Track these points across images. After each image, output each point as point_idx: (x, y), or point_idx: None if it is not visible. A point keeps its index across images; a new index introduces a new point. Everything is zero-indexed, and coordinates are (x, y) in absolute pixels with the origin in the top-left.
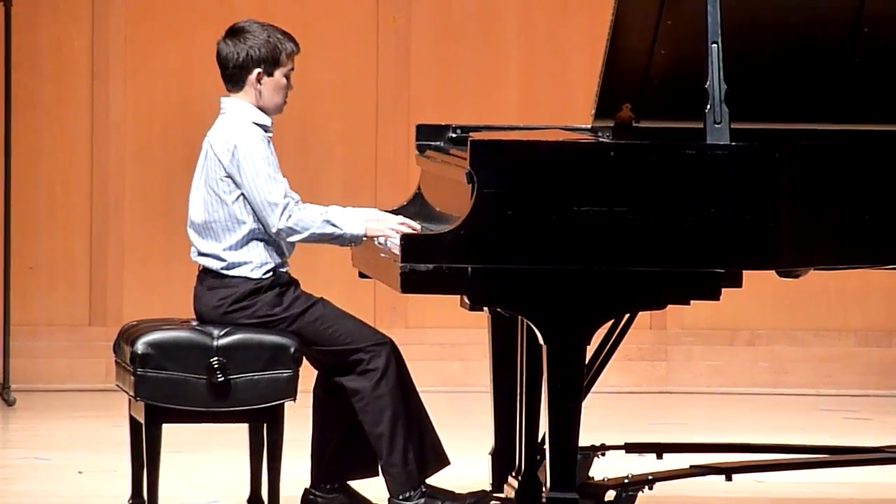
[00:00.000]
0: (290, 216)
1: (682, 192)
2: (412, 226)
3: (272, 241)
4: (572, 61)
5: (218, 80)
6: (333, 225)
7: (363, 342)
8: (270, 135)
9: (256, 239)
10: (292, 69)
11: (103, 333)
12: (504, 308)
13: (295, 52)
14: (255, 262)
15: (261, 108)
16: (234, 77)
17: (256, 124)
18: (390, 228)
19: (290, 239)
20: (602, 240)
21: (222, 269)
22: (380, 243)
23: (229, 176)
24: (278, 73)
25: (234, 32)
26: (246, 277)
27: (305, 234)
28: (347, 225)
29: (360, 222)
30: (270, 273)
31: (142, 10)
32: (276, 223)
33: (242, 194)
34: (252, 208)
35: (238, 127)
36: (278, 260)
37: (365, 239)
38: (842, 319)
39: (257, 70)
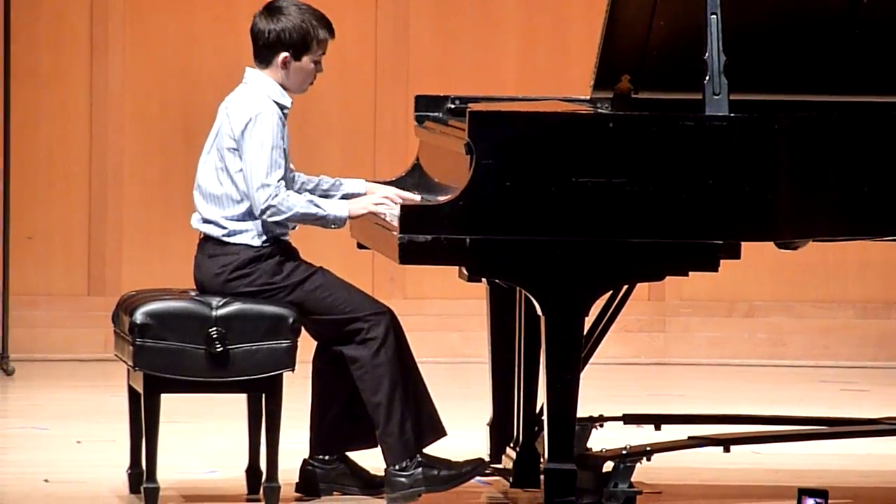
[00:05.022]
0: (276, 195)
1: (681, 164)
2: (404, 196)
3: None
4: (571, 32)
5: (217, 50)
6: (317, 206)
7: (363, 311)
8: (287, 112)
9: None
10: (323, 54)
11: (102, 303)
12: (502, 279)
13: (327, 38)
14: (255, 230)
15: (283, 87)
16: (261, 54)
17: (276, 102)
18: (373, 203)
19: (273, 218)
20: (601, 211)
21: (223, 235)
22: (379, 220)
23: (237, 150)
24: (306, 59)
25: (272, 10)
26: (247, 245)
27: (289, 214)
28: (331, 208)
29: (344, 206)
30: (271, 241)
31: None
32: (261, 201)
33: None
34: (245, 184)
35: (258, 102)
36: (280, 229)
37: (349, 220)
38: (840, 291)
39: (285, 54)
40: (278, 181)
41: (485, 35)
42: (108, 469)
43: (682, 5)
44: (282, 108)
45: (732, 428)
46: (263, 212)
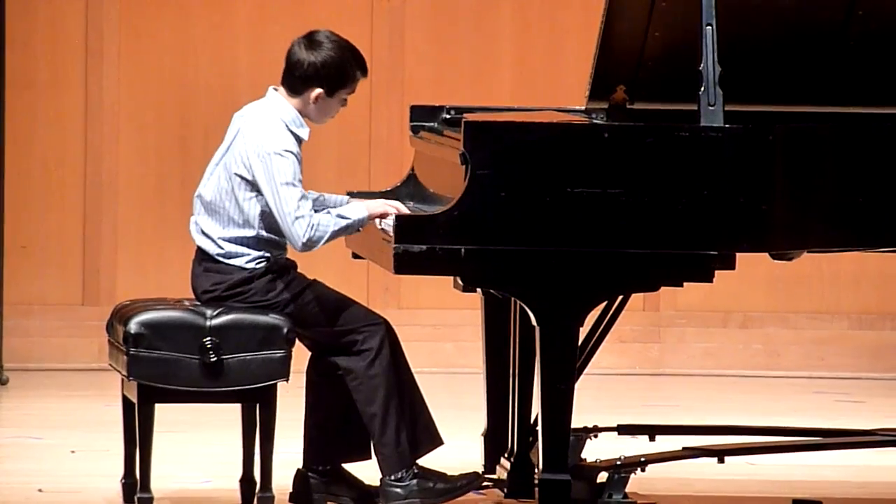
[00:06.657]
0: (311, 226)
1: (676, 174)
2: (398, 207)
3: (273, 239)
4: (567, 43)
5: (213, 59)
6: (344, 218)
7: (357, 323)
8: (303, 141)
9: (259, 239)
10: (352, 92)
11: (96, 313)
12: (497, 289)
13: (361, 78)
14: (252, 255)
15: (303, 115)
16: (294, 85)
17: (292, 133)
18: (384, 204)
19: (314, 248)
20: (596, 222)
21: (218, 255)
22: (383, 228)
23: (251, 182)
24: (337, 96)
25: (312, 42)
26: (241, 267)
27: (326, 237)
28: (353, 213)
29: (360, 207)
30: (265, 262)
31: None
32: (300, 235)
33: (256, 198)
34: (272, 217)
35: (276, 136)
36: (276, 251)
37: (369, 220)
38: (835, 302)
39: (319, 90)
40: (310, 211)
41: (480, 45)
42: (101, 479)
43: (678, 16)
44: (298, 139)
45: (727, 439)
46: (305, 245)
